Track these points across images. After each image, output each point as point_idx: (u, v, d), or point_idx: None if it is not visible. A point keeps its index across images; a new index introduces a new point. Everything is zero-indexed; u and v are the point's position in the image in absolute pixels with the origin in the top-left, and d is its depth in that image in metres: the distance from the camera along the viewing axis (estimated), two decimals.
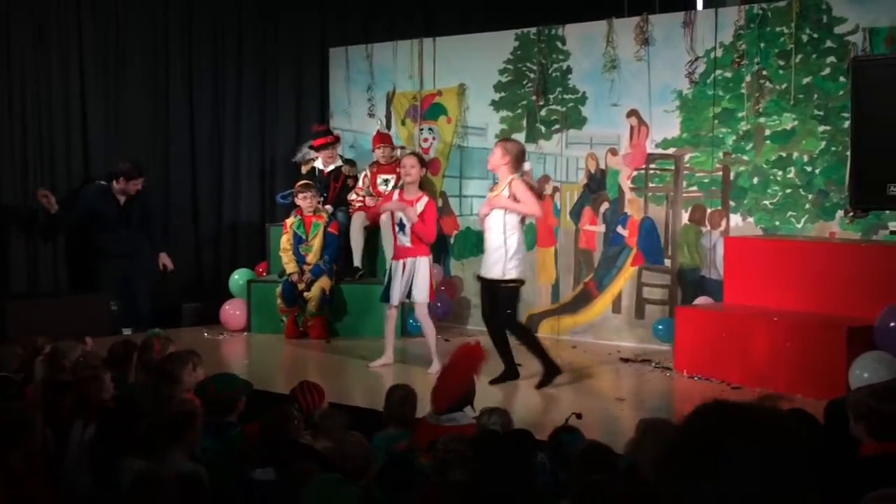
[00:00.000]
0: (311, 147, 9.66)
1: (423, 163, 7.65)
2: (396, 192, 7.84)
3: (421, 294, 7.40)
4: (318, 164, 9.51)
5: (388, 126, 9.97)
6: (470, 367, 4.96)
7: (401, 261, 7.43)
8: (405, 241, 7.40)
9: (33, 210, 9.03)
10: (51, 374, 5.18)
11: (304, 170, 9.70)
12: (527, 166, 7.17)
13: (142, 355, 5.61)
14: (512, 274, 6.90)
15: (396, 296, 7.43)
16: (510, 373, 7.01)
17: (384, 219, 8.37)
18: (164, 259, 9.32)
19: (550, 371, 6.94)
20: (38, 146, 9.15)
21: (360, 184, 9.39)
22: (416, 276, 7.38)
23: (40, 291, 9.11)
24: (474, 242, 9.46)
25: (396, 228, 7.47)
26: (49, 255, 9.24)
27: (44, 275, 9.19)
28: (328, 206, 9.24)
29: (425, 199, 7.48)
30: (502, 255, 6.86)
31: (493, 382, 6.84)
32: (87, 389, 4.70)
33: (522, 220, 7.07)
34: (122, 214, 9.13)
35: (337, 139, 9.60)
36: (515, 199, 6.87)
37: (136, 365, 5.52)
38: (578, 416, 4.53)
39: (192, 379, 5.11)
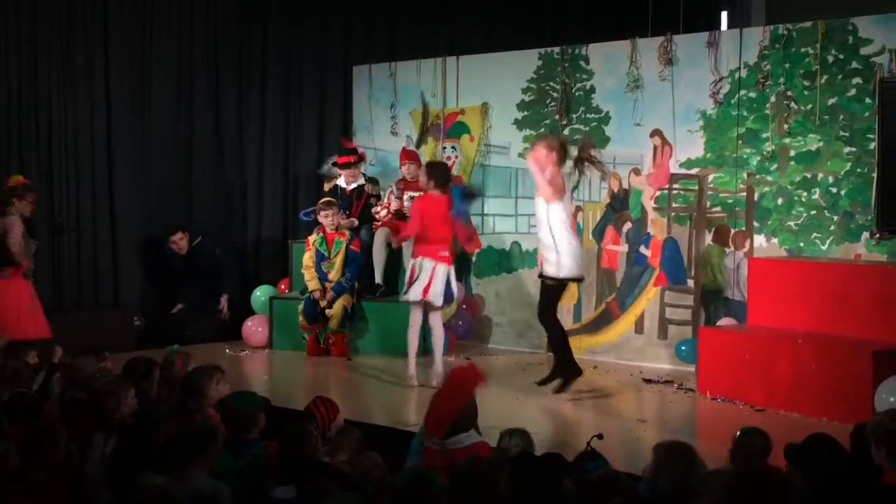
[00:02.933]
0: (334, 164, 9.68)
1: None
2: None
3: (438, 298, 7.48)
4: (341, 181, 9.52)
5: (419, 144, 9.97)
6: (466, 390, 4.80)
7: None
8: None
9: (59, 224, 9.11)
10: (68, 390, 5.19)
11: (326, 187, 9.72)
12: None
13: (163, 371, 5.62)
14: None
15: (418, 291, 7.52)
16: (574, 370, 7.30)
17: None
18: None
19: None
20: (65, 166, 9.23)
21: (383, 200, 9.40)
22: (436, 279, 7.45)
23: (64, 305, 9.16)
24: (496, 261, 9.45)
25: None
26: (73, 269, 9.29)
27: (68, 289, 9.24)
28: (353, 219, 9.26)
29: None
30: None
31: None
32: (104, 404, 4.71)
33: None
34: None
35: (361, 158, 9.62)
36: None
37: (157, 381, 5.53)
38: (600, 437, 4.48)
39: (217, 393, 5.12)
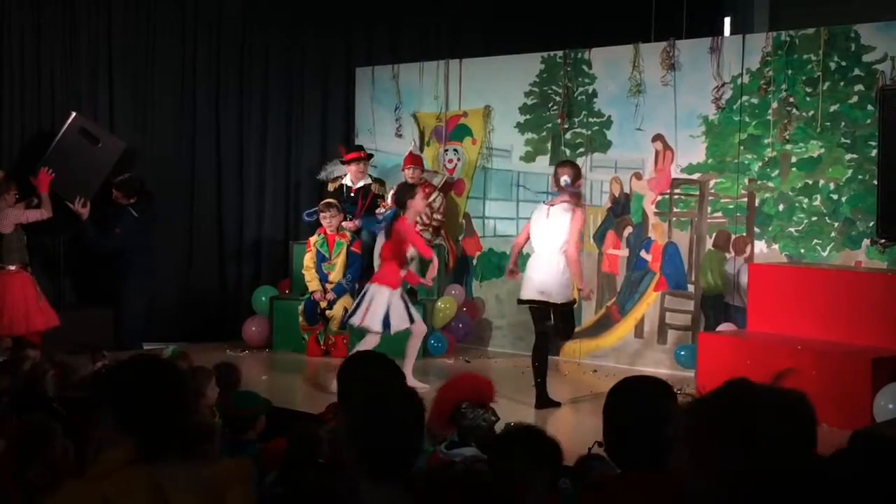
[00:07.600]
0: (342, 162, 9.66)
1: None
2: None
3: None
4: (347, 180, 9.51)
5: (422, 147, 9.96)
6: (457, 390, 4.70)
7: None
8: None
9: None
10: (61, 390, 5.20)
11: (331, 187, 9.70)
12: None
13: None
14: None
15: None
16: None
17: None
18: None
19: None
20: None
21: (387, 201, 9.39)
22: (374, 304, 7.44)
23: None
24: (496, 264, 9.46)
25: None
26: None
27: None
28: (357, 221, 9.25)
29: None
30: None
31: None
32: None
33: None
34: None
35: (369, 155, 9.61)
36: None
37: None
38: (601, 444, 4.45)
39: (214, 393, 5.13)
